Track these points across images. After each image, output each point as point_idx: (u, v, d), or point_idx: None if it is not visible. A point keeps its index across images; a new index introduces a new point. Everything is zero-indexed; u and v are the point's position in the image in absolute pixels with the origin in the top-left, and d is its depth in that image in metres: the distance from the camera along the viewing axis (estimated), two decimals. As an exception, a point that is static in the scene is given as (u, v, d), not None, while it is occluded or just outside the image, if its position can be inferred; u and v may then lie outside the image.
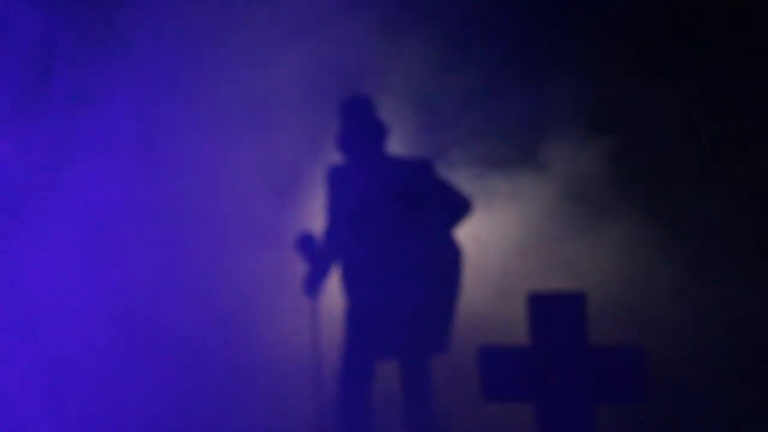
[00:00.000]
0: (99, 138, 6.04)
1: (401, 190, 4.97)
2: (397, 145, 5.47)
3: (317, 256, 5.15)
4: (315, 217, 5.37)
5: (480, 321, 5.58)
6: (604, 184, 6.16)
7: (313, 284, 5.18)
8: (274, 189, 6.01)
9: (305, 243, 5.15)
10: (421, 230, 4.95)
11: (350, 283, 5.08)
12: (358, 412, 5.00)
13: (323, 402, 5.09)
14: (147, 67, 6.06)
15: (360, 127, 5.05)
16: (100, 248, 5.97)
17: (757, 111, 6.06)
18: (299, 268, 5.24)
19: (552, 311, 3.70)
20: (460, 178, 6.01)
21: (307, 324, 5.19)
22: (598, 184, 6.16)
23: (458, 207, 5.04)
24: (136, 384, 5.71)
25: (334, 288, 5.20)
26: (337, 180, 5.14)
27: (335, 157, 5.15)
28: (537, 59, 6.31)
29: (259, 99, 6.09)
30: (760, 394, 5.31)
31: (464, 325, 5.34)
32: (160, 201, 6.03)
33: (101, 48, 6.13)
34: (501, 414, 4.84)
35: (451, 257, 5.04)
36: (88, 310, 5.85)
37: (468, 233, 5.47)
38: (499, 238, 6.10)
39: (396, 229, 4.93)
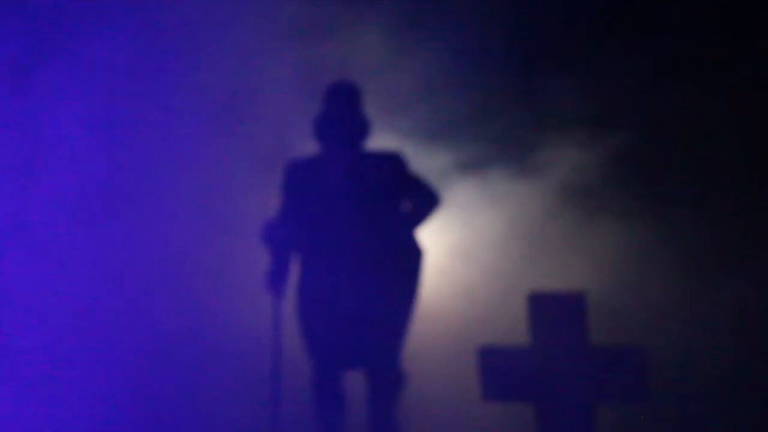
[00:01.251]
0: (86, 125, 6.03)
1: (370, 183, 4.76)
2: (391, 145, 5.47)
3: (281, 249, 4.85)
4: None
5: (480, 321, 5.58)
6: (605, 184, 6.16)
7: (277, 280, 4.87)
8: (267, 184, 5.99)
9: (272, 232, 4.84)
10: (389, 225, 4.76)
11: (310, 280, 4.81)
12: (330, 414, 4.80)
13: (280, 400, 4.86)
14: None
15: (340, 116, 4.79)
16: (71, 238, 5.95)
17: (757, 110, 6.06)
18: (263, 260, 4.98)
19: (552, 311, 3.70)
20: (460, 179, 6.01)
21: (271, 321, 4.92)
22: (598, 184, 6.16)
23: (426, 202, 4.83)
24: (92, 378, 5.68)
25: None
26: (305, 169, 4.84)
27: (307, 147, 4.96)
28: (534, 59, 6.30)
29: (256, 95, 6.08)
30: (760, 394, 5.31)
31: (464, 325, 5.34)
32: (150, 196, 6.02)
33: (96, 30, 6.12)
34: (501, 414, 4.84)
35: (413, 256, 4.81)
36: (50, 298, 5.83)
37: (468, 233, 5.47)
38: (499, 238, 6.10)
39: (361, 223, 4.72)
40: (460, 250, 5.47)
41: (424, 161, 5.85)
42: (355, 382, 4.93)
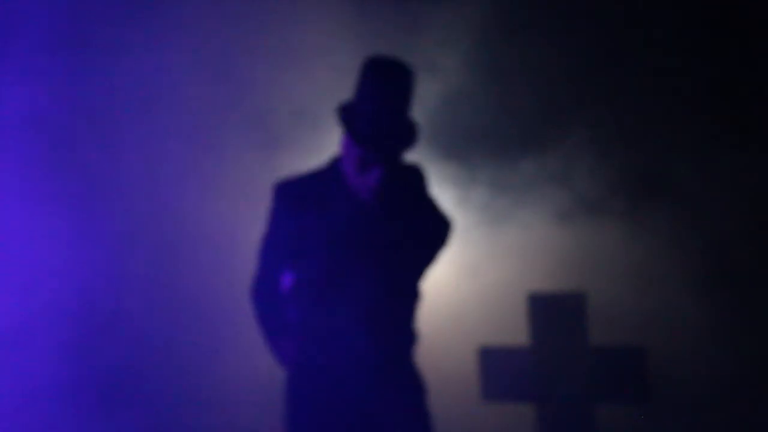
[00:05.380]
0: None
1: (397, 207, 3.25)
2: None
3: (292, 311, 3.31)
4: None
5: (480, 321, 5.59)
6: (605, 184, 6.16)
7: (292, 351, 3.32)
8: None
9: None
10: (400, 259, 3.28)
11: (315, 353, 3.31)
12: None
13: None
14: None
15: (389, 112, 3.14)
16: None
17: (756, 107, 6.06)
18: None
19: (552, 311, 3.71)
20: (461, 179, 6.02)
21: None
22: (598, 184, 6.17)
23: (439, 232, 3.32)
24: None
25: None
26: (307, 190, 3.24)
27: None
28: (534, 59, 6.31)
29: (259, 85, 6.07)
30: (760, 395, 5.31)
31: (464, 325, 5.34)
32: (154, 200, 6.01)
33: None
34: (501, 414, 4.85)
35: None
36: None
37: (468, 233, 5.47)
38: (499, 238, 6.10)
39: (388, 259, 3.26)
40: (460, 249, 5.46)
41: (423, 160, 5.85)
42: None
